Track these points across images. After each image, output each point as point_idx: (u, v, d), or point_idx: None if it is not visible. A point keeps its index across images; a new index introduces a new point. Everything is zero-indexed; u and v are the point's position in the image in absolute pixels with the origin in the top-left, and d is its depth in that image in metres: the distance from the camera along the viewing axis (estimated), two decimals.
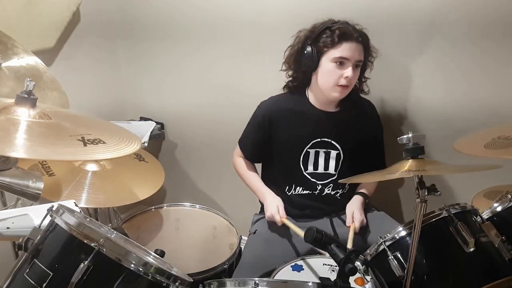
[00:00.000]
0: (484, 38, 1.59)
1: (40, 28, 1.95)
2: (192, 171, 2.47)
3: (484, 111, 1.64)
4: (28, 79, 1.11)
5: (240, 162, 1.84)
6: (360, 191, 1.72)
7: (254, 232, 1.71)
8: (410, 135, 1.12)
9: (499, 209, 1.28)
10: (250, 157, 1.81)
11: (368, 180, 1.68)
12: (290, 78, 1.69)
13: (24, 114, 1.10)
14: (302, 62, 1.58)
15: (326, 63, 1.54)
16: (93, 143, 1.07)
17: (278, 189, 1.72)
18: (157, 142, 2.44)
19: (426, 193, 1.06)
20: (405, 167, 1.11)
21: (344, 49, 1.51)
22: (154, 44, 2.30)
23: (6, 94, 1.42)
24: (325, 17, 1.58)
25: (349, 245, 1.47)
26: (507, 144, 1.14)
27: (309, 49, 1.55)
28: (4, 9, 1.79)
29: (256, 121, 1.71)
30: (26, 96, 1.11)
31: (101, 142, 1.09)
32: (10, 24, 1.75)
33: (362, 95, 1.72)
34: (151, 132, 2.26)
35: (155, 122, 2.37)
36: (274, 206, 1.63)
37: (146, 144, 2.14)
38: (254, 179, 1.79)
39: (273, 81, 1.71)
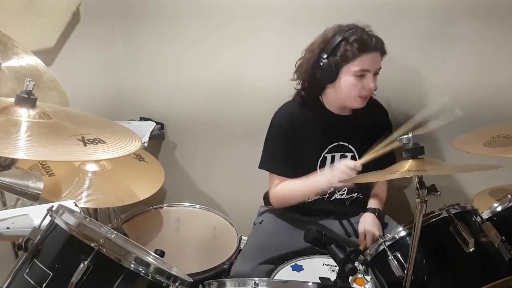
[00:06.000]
0: (488, 30, 1.58)
1: (40, 28, 1.95)
2: (192, 171, 2.47)
3: (487, 111, 1.63)
4: (28, 79, 1.11)
5: (281, 187, 1.65)
6: (370, 206, 1.67)
7: (260, 223, 1.72)
8: (410, 135, 1.12)
9: (499, 209, 1.28)
10: (289, 172, 1.64)
11: (368, 180, 1.68)
12: (301, 88, 1.63)
13: (24, 114, 1.09)
14: (318, 75, 1.54)
15: (346, 77, 1.50)
16: (93, 143, 1.07)
17: None
18: (157, 142, 2.44)
19: (426, 193, 1.06)
20: (405, 167, 1.11)
21: (364, 62, 1.47)
22: (154, 41, 2.29)
23: (6, 94, 1.41)
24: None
25: None
26: (507, 142, 1.14)
27: (326, 62, 1.50)
28: (4, 9, 1.79)
29: (282, 130, 1.62)
30: (26, 96, 1.11)
31: (101, 142, 1.09)
32: (10, 24, 1.74)
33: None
34: (151, 132, 2.26)
35: (155, 122, 2.37)
36: (339, 167, 1.48)
37: (146, 144, 2.14)
38: (300, 182, 1.61)
39: (273, 80, 1.70)
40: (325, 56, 1.50)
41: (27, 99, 1.11)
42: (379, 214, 1.63)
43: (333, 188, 1.67)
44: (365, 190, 1.73)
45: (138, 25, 2.31)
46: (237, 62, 2.09)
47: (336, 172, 1.47)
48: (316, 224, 1.61)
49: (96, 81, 2.32)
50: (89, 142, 1.06)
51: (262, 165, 1.69)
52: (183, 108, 2.34)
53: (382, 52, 1.52)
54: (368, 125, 1.65)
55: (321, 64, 1.51)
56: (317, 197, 1.68)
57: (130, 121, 2.40)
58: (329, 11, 1.75)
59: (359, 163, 1.45)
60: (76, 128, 1.14)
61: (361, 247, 1.54)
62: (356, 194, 1.71)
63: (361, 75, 1.49)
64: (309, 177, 1.60)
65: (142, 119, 2.45)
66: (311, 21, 1.77)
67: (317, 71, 1.53)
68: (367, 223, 1.60)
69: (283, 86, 1.66)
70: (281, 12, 1.90)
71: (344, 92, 1.54)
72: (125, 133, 1.20)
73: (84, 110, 1.38)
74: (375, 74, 1.52)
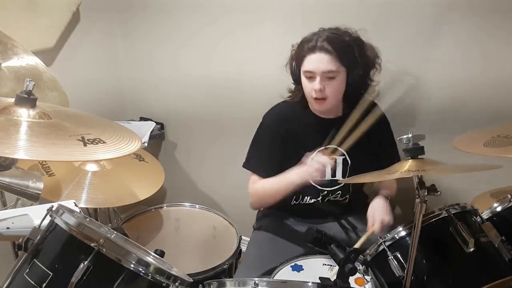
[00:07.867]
0: (491, 28, 1.57)
1: (40, 28, 1.95)
2: (192, 171, 2.47)
3: (488, 110, 1.63)
4: (28, 79, 1.11)
5: (256, 186, 1.66)
6: (380, 194, 1.64)
7: (259, 228, 1.72)
8: (410, 135, 1.12)
9: (499, 209, 1.28)
10: (272, 175, 1.63)
11: (368, 180, 1.67)
12: (291, 91, 1.66)
13: (24, 114, 1.09)
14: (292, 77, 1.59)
15: (302, 78, 1.53)
16: (93, 143, 1.07)
17: (283, 200, 1.65)
18: (157, 142, 2.45)
19: (426, 193, 1.06)
20: (405, 167, 1.10)
21: (309, 63, 1.48)
22: (154, 37, 2.29)
23: (6, 94, 1.41)
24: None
25: (357, 246, 1.42)
26: (507, 142, 1.14)
27: (292, 65, 1.56)
28: (4, 9, 1.79)
29: (270, 132, 1.64)
30: (26, 96, 1.11)
31: (101, 142, 1.09)
32: (10, 24, 1.74)
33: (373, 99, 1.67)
34: (151, 132, 2.27)
35: (155, 122, 2.37)
36: (310, 162, 1.52)
37: (146, 144, 2.14)
38: (273, 179, 1.61)
39: (276, 77, 1.68)
40: (291, 59, 1.56)
41: (27, 99, 1.11)
42: (390, 201, 1.60)
43: (326, 192, 1.67)
44: (360, 193, 1.73)
45: (137, 21, 2.31)
46: (238, 58, 2.09)
47: (308, 167, 1.50)
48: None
49: (96, 81, 2.32)
50: (89, 142, 1.06)
51: (246, 165, 1.70)
52: (183, 108, 2.34)
53: (340, 53, 1.46)
54: (361, 127, 1.63)
55: (290, 66, 1.57)
56: (313, 200, 1.67)
57: (130, 121, 2.41)
58: (331, 6, 1.75)
59: (330, 159, 1.51)
60: (76, 128, 1.14)
61: (369, 233, 1.47)
62: (348, 195, 1.69)
63: (310, 77, 1.50)
64: (282, 174, 1.60)
65: (142, 119, 2.45)
66: (311, 16, 1.77)
67: (291, 74, 1.58)
68: (377, 207, 1.56)
69: (285, 84, 1.66)
70: (282, 7, 1.90)
71: (305, 93, 1.56)
72: (125, 133, 1.20)
73: (84, 110, 1.38)
74: (329, 77, 1.48)
